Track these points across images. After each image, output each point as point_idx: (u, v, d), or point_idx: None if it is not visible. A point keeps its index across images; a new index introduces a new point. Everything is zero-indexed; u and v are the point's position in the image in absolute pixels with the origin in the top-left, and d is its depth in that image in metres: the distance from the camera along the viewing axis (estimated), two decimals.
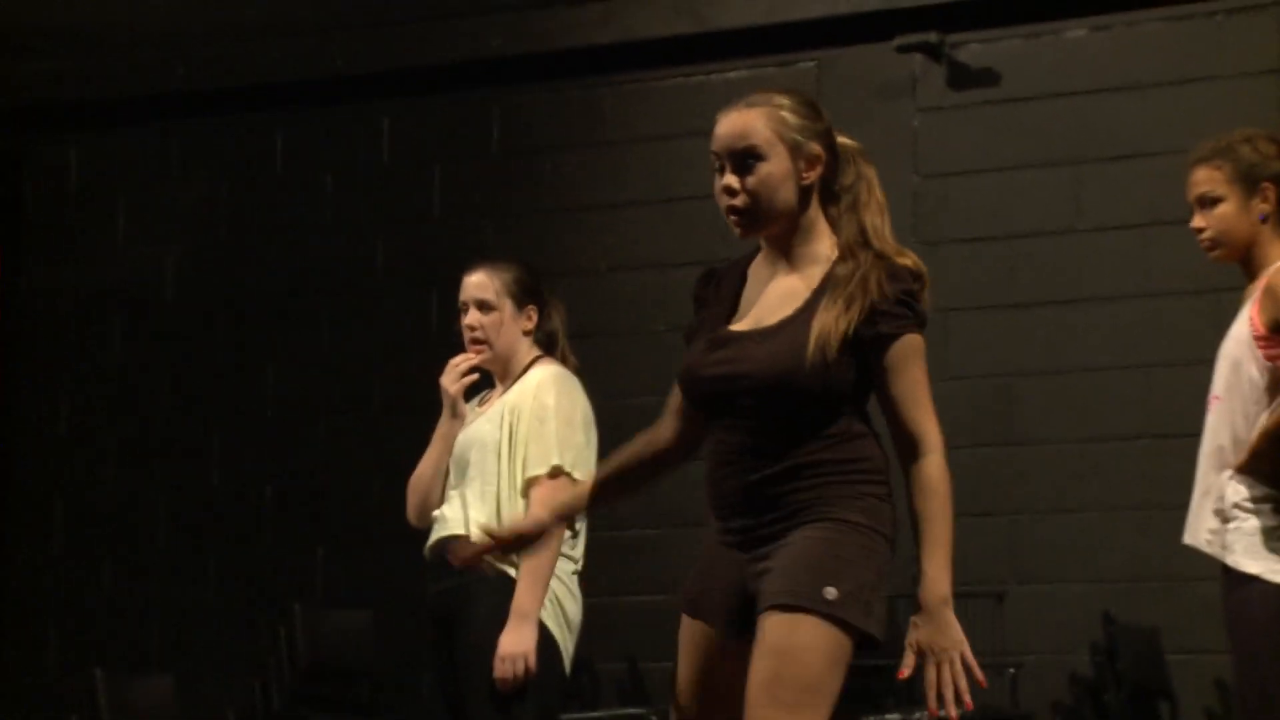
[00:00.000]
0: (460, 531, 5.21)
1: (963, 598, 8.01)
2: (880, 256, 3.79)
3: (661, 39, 8.82)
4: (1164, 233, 7.72)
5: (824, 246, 3.84)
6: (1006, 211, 8.30)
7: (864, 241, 3.82)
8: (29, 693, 9.50)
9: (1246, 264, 4.78)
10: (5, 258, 9.87)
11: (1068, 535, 8.07)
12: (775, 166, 3.80)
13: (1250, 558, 4.62)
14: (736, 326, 3.86)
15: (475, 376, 5.38)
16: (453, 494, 5.29)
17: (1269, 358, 4.64)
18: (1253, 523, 4.64)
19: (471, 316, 5.35)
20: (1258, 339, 4.66)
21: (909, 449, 3.73)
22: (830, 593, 3.66)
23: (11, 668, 9.61)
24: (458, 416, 5.36)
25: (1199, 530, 4.75)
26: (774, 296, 3.85)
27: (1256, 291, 4.72)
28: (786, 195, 3.81)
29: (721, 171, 3.84)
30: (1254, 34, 8.02)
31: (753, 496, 3.77)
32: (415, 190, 9.25)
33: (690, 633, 3.89)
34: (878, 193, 3.87)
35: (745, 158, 3.81)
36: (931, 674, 3.67)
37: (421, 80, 9.25)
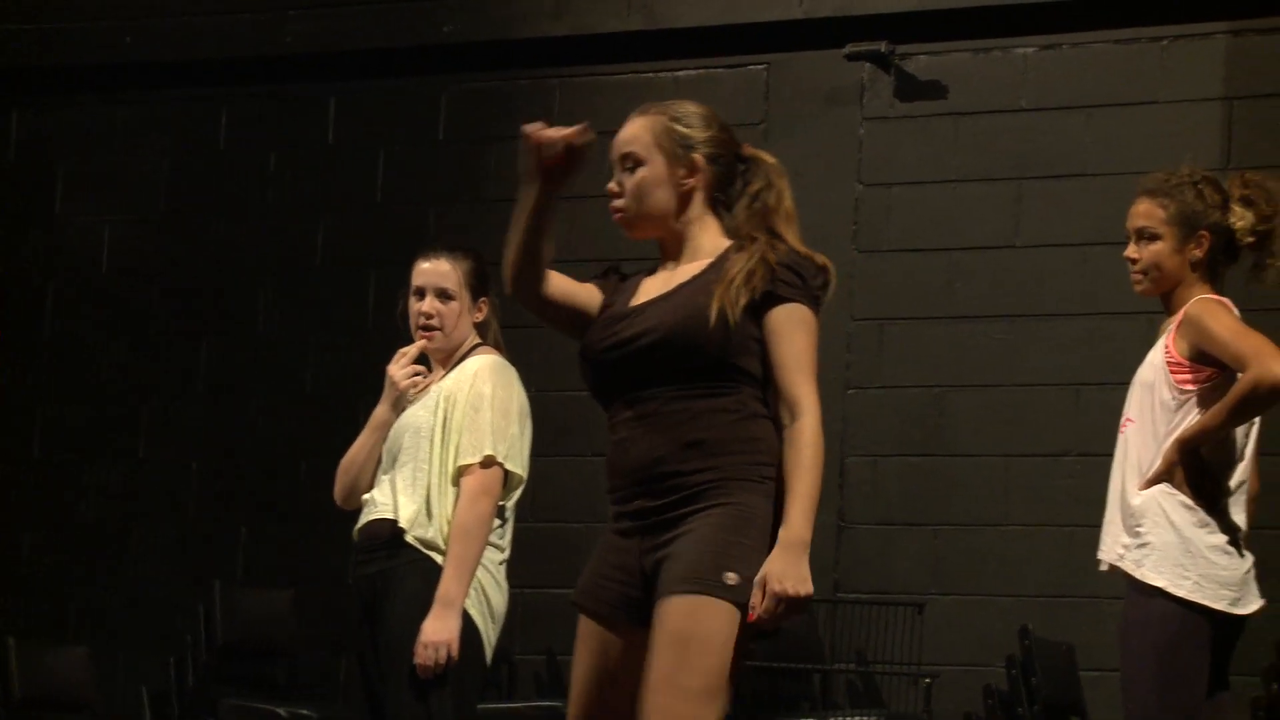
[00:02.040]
0: (389, 516, 5.20)
1: (882, 606, 8.12)
2: (780, 243, 3.96)
3: (614, 34, 8.82)
4: (1102, 252, 7.76)
5: (710, 243, 4.02)
6: (947, 223, 8.33)
7: (767, 239, 3.97)
8: None
9: (1167, 299, 4.92)
10: None
11: (990, 548, 8.10)
12: (650, 172, 4.03)
13: (1157, 572, 4.74)
14: (633, 303, 4.02)
15: (422, 368, 5.36)
16: (383, 479, 5.27)
17: (1180, 383, 4.80)
18: (1163, 538, 4.75)
19: (429, 304, 5.31)
20: (1171, 364, 4.81)
21: (787, 411, 3.88)
22: (731, 578, 3.77)
23: None
24: (398, 409, 5.34)
25: (1114, 546, 4.86)
26: (662, 281, 4.03)
27: (1174, 322, 4.86)
28: (661, 198, 4.02)
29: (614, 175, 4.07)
30: (1200, 60, 8.07)
31: (651, 476, 3.87)
32: (358, 173, 9.22)
33: (586, 631, 3.96)
34: (787, 202, 4.04)
35: (628, 162, 4.05)
36: (756, 596, 3.76)
37: (370, 63, 9.23)
